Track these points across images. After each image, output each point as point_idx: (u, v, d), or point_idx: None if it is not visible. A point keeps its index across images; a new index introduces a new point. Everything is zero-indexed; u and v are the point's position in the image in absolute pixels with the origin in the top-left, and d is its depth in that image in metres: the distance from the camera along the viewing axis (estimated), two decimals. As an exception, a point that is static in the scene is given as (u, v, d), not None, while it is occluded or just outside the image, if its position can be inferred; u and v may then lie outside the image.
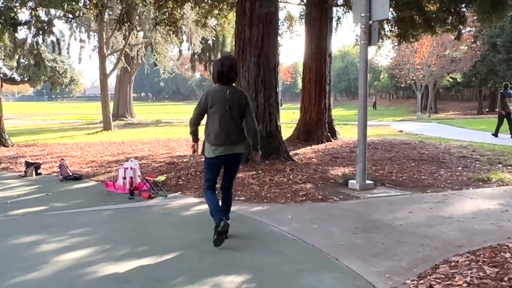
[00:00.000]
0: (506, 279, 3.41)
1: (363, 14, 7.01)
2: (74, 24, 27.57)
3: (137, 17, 21.35)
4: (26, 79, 35.71)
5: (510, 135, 15.39)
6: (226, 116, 4.53)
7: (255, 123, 4.74)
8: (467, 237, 4.61)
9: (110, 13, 21.99)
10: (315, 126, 13.40)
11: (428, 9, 12.14)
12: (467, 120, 29.02)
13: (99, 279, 3.72)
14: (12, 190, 7.55)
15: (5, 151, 12.76)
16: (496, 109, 18.64)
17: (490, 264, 3.74)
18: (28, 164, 9.10)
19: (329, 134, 13.57)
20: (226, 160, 4.63)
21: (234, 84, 4.72)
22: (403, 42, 13.83)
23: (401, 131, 19.63)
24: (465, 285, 3.36)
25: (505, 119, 15.72)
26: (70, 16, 18.01)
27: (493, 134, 15.95)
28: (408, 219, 5.39)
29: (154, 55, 27.69)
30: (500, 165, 9.21)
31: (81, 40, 30.28)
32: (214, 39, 26.36)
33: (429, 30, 12.41)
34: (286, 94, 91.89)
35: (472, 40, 36.70)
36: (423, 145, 12.80)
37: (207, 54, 30.38)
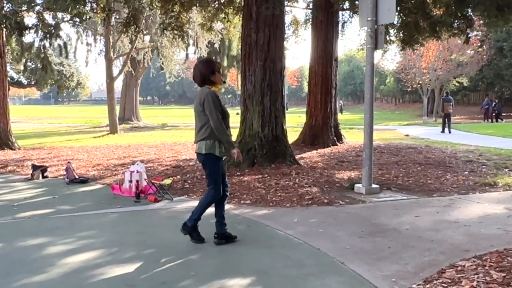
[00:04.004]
0: (513, 284, 3.39)
1: (369, 18, 7.02)
2: (81, 28, 27.76)
3: (143, 21, 21.42)
4: (33, 83, 35.96)
5: (448, 131, 20.17)
6: (194, 115, 4.72)
7: (215, 122, 4.48)
8: (474, 242, 4.60)
9: (117, 17, 22.11)
10: (321, 130, 13.40)
11: (434, 13, 12.10)
12: (473, 124, 28.86)
13: (106, 281, 3.74)
14: (19, 193, 7.60)
15: (12, 154, 12.83)
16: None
17: (497, 269, 3.72)
18: (34, 167, 9.15)
19: (335, 138, 13.56)
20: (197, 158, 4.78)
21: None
22: (408, 47, 13.80)
23: (407, 135, 19.58)
24: (471, 289, 3.35)
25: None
26: (77, 20, 18.10)
27: (441, 132, 20.36)
28: (414, 223, 5.38)
29: (160, 59, 27.81)
30: (506, 170, 9.17)
31: (87, 44, 30.53)
32: (220, 42, 26.43)
33: (434, 34, 12.38)
34: (292, 98, 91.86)
35: (479, 44, 36.61)
36: (429, 149, 12.76)
37: (213, 57, 30.44)
